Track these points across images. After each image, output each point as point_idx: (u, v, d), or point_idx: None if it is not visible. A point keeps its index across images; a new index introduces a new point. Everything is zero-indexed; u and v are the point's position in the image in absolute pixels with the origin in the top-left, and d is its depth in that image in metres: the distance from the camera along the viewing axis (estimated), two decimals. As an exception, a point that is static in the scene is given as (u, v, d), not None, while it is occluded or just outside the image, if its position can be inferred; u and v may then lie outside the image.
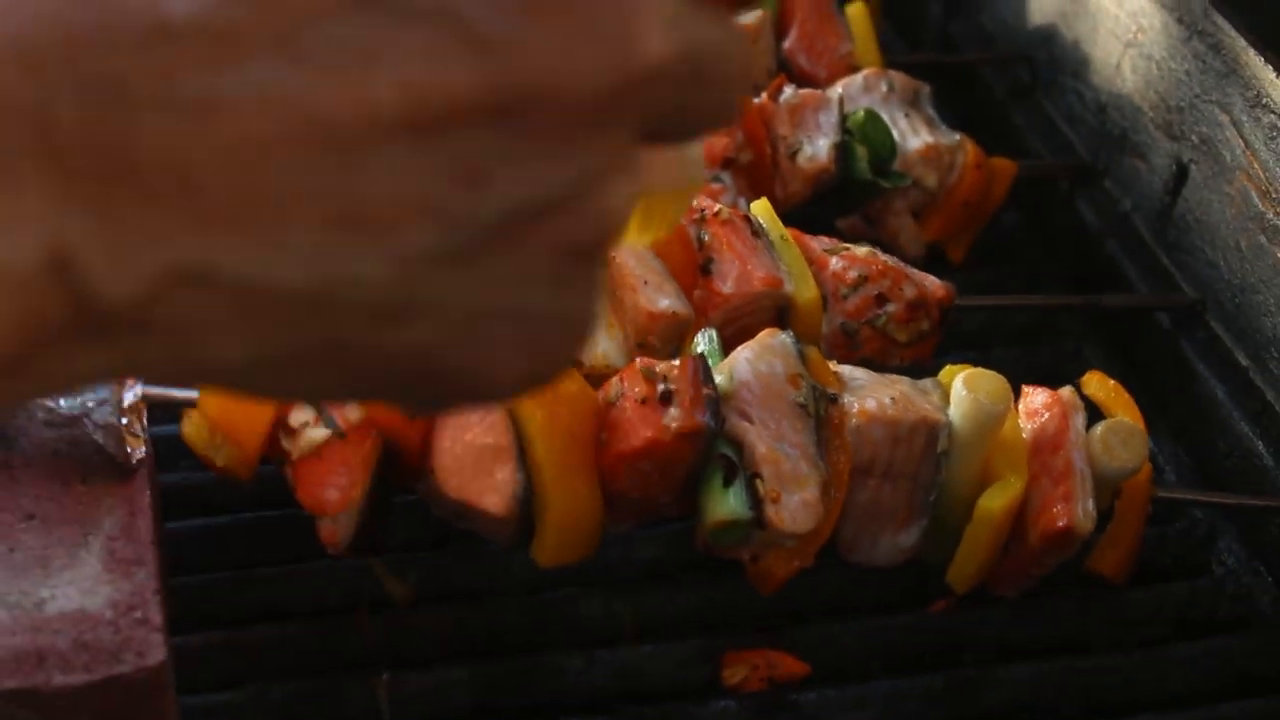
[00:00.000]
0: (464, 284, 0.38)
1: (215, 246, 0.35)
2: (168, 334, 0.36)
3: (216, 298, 0.36)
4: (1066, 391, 1.08)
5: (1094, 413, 1.09)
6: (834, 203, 1.37)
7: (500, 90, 0.36)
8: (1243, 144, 1.25)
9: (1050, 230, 1.51)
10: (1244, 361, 1.25)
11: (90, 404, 0.97)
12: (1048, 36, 1.57)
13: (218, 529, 1.14)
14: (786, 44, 1.49)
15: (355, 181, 0.35)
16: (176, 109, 0.34)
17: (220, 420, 1.00)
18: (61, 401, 0.97)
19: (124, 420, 0.97)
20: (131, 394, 0.98)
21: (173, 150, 0.34)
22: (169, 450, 1.11)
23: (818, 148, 1.32)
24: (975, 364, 1.08)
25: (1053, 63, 1.56)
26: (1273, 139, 1.21)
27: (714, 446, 0.99)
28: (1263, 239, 1.22)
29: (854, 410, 1.02)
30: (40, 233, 0.34)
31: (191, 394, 1.00)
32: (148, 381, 0.38)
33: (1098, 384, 1.11)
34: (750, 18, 1.42)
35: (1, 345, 0.35)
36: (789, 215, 1.24)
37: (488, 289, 0.38)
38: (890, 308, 1.17)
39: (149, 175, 0.34)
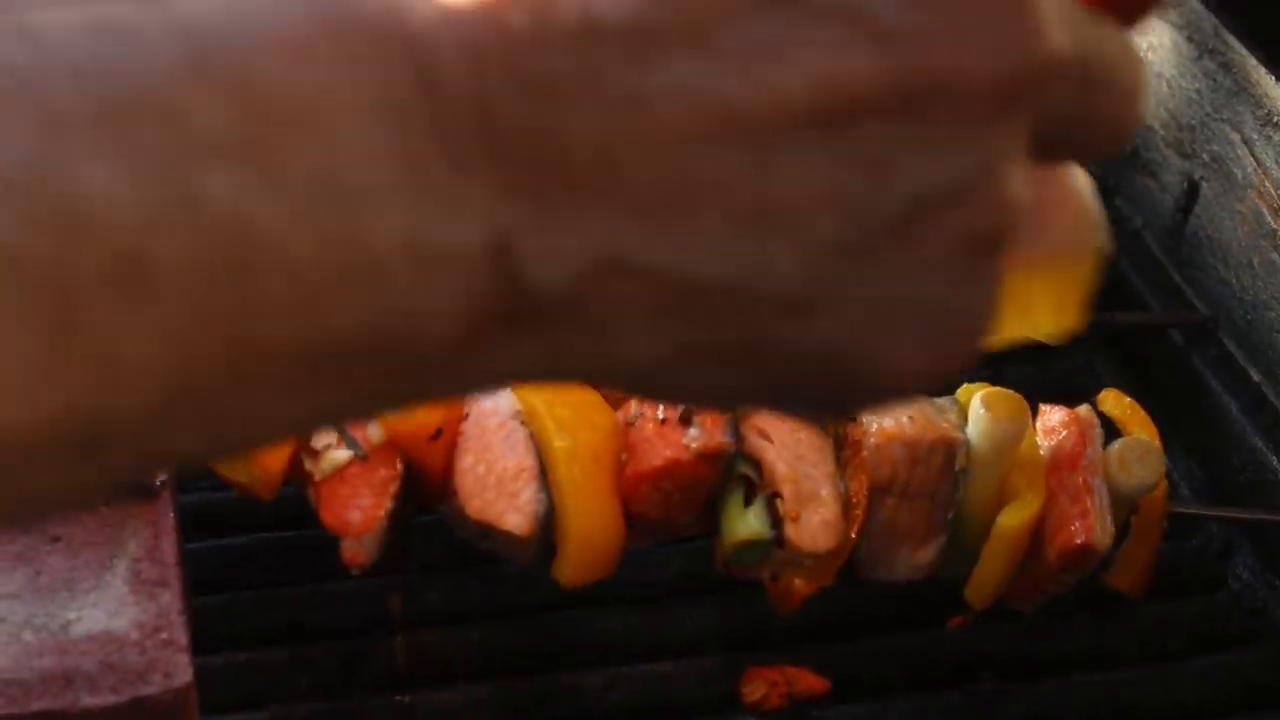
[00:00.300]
0: (866, 276, 0.38)
1: (636, 236, 0.36)
2: (589, 327, 0.37)
3: (635, 289, 0.37)
4: (1084, 409, 1.08)
5: (1110, 430, 1.10)
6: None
7: (903, 80, 0.36)
8: (1254, 162, 1.25)
9: (1061, 247, 1.51)
10: (1256, 377, 1.25)
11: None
12: (1057, 54, 1.57)
13: (239, 549, 1.15)
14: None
15: (767, 173, 0.36)
16: (604, 104, 0.35)
17: (243, 442, 1.00)
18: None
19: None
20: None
21: (599, 143, 0.35)
22: (188, 470, 1.11)
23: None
24: (989, 382, 1.08)
25: (1062, 80, 1.56)
26: (1284, 156, 1.22)
27: (734, 466, 1.00)
28: (1275, 256, 1.23)
29: (873, 429, 1.03)
30: (483, 217, 0.35)
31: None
32: (564, 380, 0.39)
33: (1114, 401, 1.12)
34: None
35: (447, 329, 0.36)
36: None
37: (889, 281, 0.38)
38: (907, 327, 1.17)
39: (577, 167, 0.35)
